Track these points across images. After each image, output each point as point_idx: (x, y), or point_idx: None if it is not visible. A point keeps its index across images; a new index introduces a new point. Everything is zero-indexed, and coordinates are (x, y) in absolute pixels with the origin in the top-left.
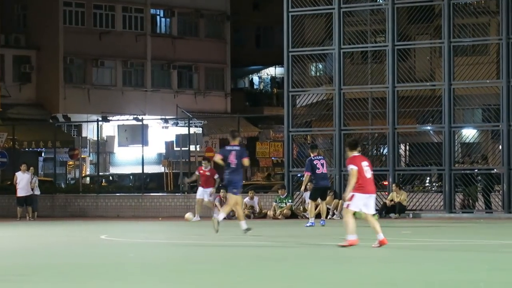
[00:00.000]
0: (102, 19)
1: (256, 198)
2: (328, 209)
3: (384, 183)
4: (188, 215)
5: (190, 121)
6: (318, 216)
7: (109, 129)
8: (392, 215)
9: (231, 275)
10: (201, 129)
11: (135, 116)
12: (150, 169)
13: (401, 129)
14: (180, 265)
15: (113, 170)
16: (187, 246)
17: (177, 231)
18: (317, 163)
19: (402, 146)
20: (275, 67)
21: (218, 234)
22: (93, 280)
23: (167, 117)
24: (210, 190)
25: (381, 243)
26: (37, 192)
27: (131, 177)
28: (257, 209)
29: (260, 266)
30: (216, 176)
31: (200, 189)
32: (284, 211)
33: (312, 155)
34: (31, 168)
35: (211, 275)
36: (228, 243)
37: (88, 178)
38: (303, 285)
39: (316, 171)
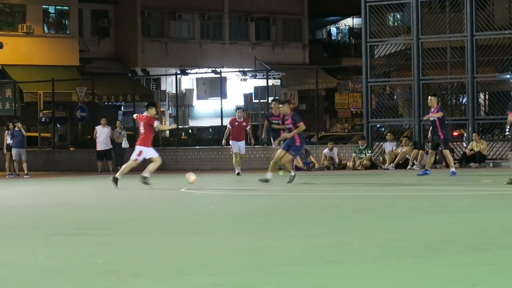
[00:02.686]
0: None
1: (335, 149)
2: (407, 159)
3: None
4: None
5: (269, 73)
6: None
7: (188, 82)
8: (472, 164)
9: (309, 225)
10: (279, 81)
11: (214, 68)
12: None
13: (480, 78)
14: (259, 217)
15: (192, 123)
16: (266, 197)
17: (256, 183)
18: None
19: (482, 95)
20: (353, 18)
21: (296, 185)
22: (173, 232)
23: (245, 69)
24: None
25: None
26: (126, 145)
27: (210, 130)
28: (337, 160)
29: (339, 216)
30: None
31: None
32: (364, 162)
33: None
34: (118, 122)
35: (289, 225)
36: (307, 194)
37: (167, 131)
38: (381, 235)
39: None
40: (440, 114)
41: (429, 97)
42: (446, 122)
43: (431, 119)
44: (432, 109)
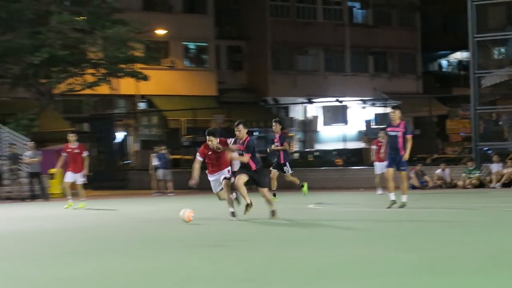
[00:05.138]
0: (304, 11)
1: (447, 170)
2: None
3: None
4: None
5: (386, 101)
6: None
7: (313, 110)
8: None
9: (419, 239)
10: None
11: (336, 98)
12: (351, 145)
13: None
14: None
15: (318, 146)
16: (379, 213)
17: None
18: None
19: None
20: (462, 52)
21: (411, 203)
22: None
23: (365, 98)
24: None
25: None
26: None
27: (333, 152)
28: (448, 180)
29: (447, 232)
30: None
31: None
32: (473, 181)
33: None
34: None
35: (399, 238)
36: (420, 211)
37: (297, 154)
38: (491, 248)
39: None
40: None
41: None
42: None
43: None
44: None
